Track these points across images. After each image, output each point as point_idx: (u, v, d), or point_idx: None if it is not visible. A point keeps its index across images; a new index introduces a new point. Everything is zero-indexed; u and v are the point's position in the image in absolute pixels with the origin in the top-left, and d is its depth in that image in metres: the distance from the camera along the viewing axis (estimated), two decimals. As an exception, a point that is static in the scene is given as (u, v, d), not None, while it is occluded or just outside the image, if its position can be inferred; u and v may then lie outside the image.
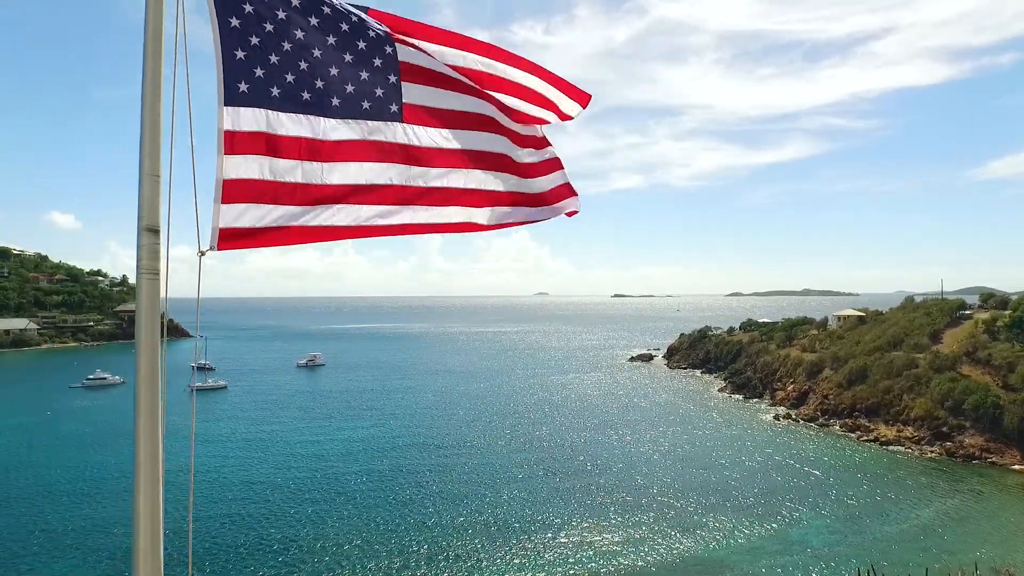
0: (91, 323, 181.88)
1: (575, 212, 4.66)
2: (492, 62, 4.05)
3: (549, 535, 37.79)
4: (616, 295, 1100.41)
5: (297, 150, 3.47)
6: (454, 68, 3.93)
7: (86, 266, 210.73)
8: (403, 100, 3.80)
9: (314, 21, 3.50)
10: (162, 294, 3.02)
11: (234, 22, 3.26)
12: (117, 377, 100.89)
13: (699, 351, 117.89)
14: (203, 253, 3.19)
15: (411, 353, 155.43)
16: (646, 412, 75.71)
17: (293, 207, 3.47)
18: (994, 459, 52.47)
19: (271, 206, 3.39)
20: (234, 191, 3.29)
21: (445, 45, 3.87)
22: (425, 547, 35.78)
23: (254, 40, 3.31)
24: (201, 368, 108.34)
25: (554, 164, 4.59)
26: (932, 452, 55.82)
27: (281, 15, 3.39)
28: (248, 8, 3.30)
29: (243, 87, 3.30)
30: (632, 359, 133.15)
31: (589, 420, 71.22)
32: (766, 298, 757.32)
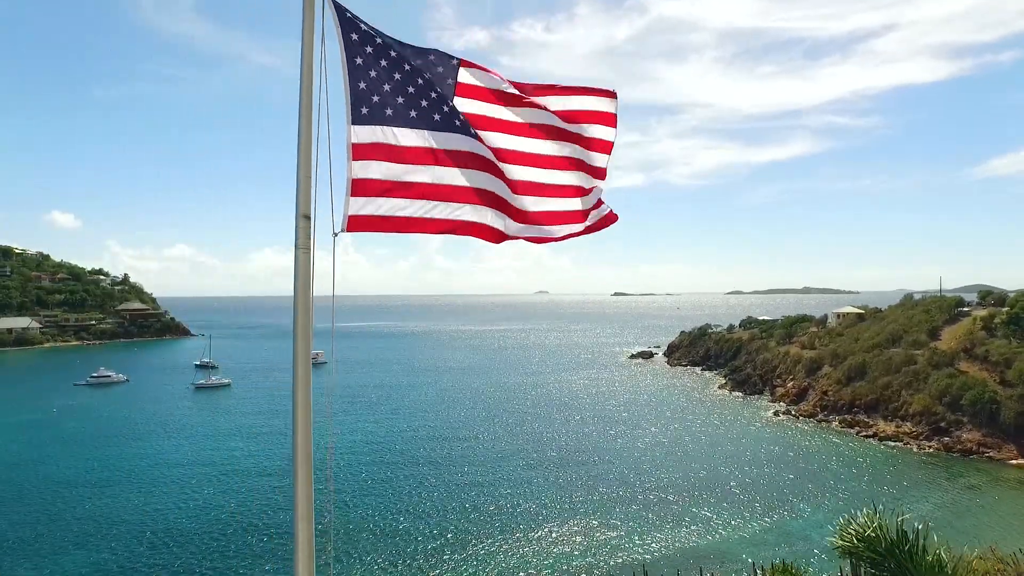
0: (93, 322, 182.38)
1: (604, 225, 5.34)
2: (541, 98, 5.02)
3: (551, 527, 38.38)
4: (616, 293, 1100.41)
5: (404, 157, 4.42)
6: (508, 95, 4.88)
7: (86, 265, 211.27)
8: (472, 126, 4.74)
9: (411, 63, 4.54)
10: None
11: (358, 61, 4.30)
12: (121, 375, 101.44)
13: (699, 348, 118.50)
14: (336, 234, 4.18)
15: (413, 351, 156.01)
16: (647, 409, 76.30)
17: (401, 201, 4.42)
18: (991, 454, 53.06)
19: (384, 199, 4.37)
20: (359, 188, 4.28)
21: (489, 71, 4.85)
22: (428, 536, 36.37)
23: (372, 74, 4.34)
24: (204, 366, 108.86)
25: (596, 181, 5.30)
26: (930, 447, 56.41)
27: (393, 54, 4.42)
28: (368, 50, 4.33)
29: (364, 110, 4.32)
30: (633, 356, 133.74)
31: (590, 416, 71.81)
32: (766, 296, 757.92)
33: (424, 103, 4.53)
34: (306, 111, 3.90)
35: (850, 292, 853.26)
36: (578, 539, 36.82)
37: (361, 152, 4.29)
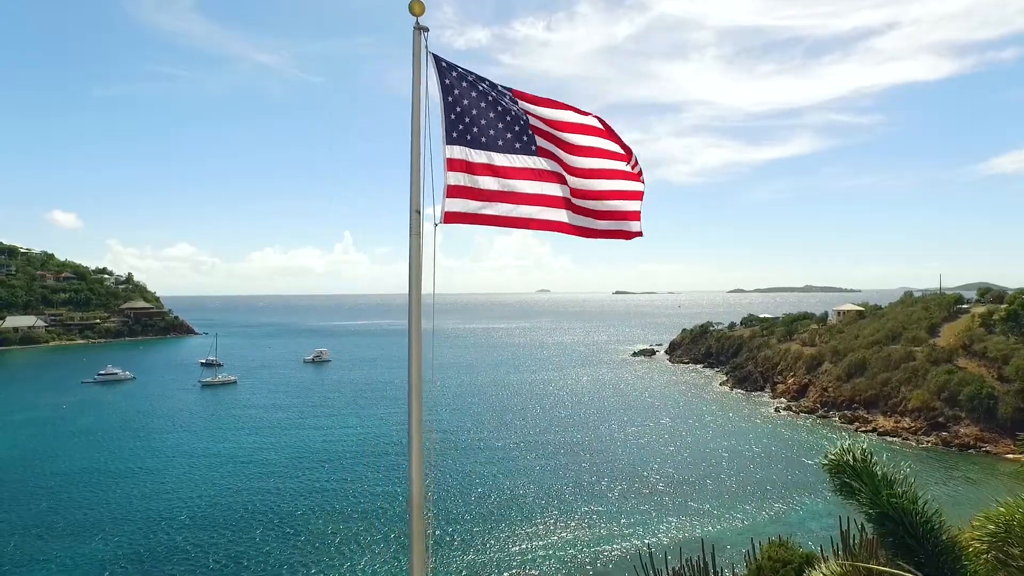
0: (98, 320, 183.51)
1: (635, 234, 6.46)
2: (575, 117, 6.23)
3: (555, 518, 39.31)
4: (618, 292, 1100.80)
5: (482, 170, 5.72)
6: (551, 123, 6.12)
7: (89, 264, 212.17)
8: (536, 143, 6.07)
9: (490, 96, 5.81)
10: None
11: (449, 98, 5.54)
12: (127, 372, 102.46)
13: (701, 346, 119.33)
14: (437, 224, 5.45)
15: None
16: (649, 405, 77.21)
17: (482, 203, 5.73)
18: (988, 448, 53.92)
19: (469, 201, 5.66)
20: (452, 192, 5.57)
21: (541, 105, 6.06)
22: (437, 527, 37.31)
23: (461, 105, 5.60)
24: (210, 364, 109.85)
25: (633, 193, 6.44)
26: (928, 442, 57.26)
27: (473, 94, 5.69)
28: (456, 91, 5.60)
29: (455, 134, 5.57)
30: (635, 354, 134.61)
31: (593, 413, 72.73)
32: (768, 294, 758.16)
33: (500, 126, 5.80)
34: (416, 135, 5.28)
35: (852, 290, 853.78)
36: (579, 527, 37.72)
37: (453, 165, 5.62)
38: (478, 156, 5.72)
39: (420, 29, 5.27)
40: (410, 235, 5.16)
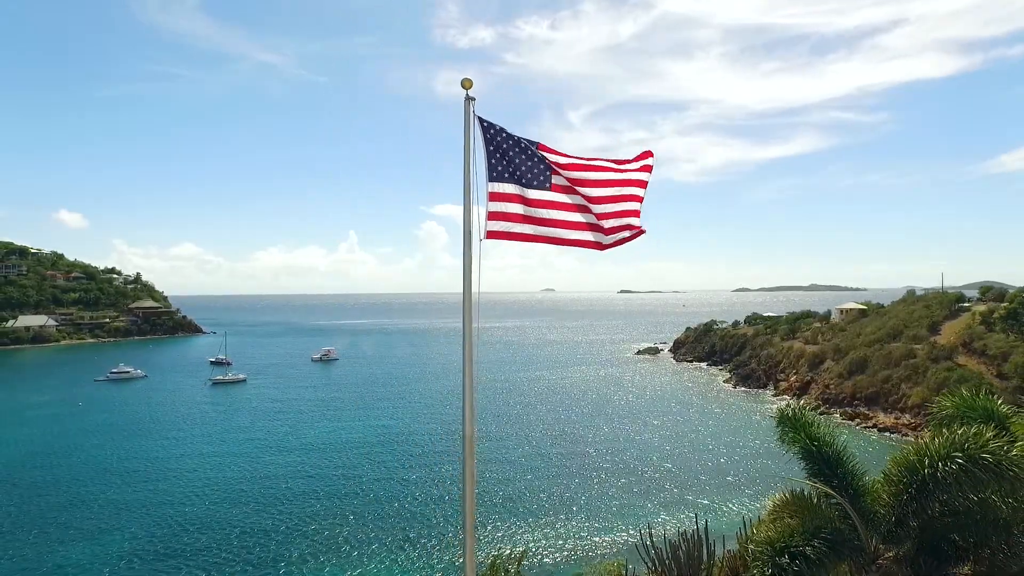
0: (107, 320, 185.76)
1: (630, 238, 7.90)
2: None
3: (558, 510, 40.51)
4: (622, 291, 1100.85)
5: (515, 200, 7.32)
6: (565, 166, 7.69)
7: (94, 264, 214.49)
8: (551, 181, 7.62)
9: (520, 145, 7.37)
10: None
11: (491, 147, 7.11)
12: (139, 371, 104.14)
13: (705, 344, 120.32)
14: (482, 240, 7.01)
15: (421, 348, 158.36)
16: (653, 402, 78.32)
17: (515, 223, 7.30)
18: (987, 444, 54.73)
19: (506, 222, 7.24)
20: (493, 216, 7.12)
21: (558, 154, 7.66)
22: (446, 521, 38.60)
23: (500, 150, 7.19)
24: (219, 363, 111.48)
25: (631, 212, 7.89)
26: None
27: (505, 145, 7.25)
28: (495, 142, 7.18)
29: (494, 173, 7.14)
30: (639, 352, 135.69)
31: (597, 410, 73.90)
32: (772, 293, 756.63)
33: (528, 167, 7.45)
34: (467, 174, 7.17)
35: (857, 289, 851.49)
36: (583, 522, 38.90)
37: (494, 196, 7.37)
38: (512, 189, 7.42)
39: (469, 99, 7.02)
40: (464, 250, 6.88)
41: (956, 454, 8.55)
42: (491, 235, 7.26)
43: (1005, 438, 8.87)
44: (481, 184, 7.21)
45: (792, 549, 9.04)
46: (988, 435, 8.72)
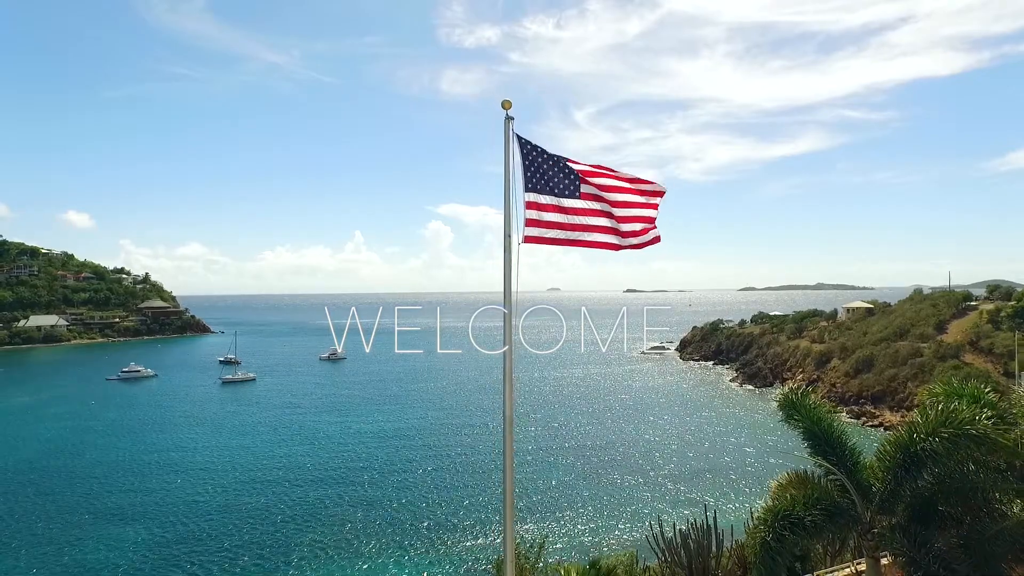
0: (117, 319, 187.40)
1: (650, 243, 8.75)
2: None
3: (567, 507, 41.06)
4: (628, 290, 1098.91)
5: (549, 208, 8.00)
6: (593, 174, 8.47)
7: (104, 264, 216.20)
8: (581, 189, 8.33)
9: (553, 159, 8.04)
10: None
11: (527, 161, 7.74)
12: (150, 370, 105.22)
13: (711, 343, 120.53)
14: (520, 244, 7.70)
15: (428, 347, 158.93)
16: (660, 401, 78.73)
17: (551, 230, 7.98)
18: (993, 442, 54.91)
19: (540, 228, 7.92)
20: (529, 223, 7.80)
21: (584, 165, 8.42)
22: (450, 518, 39.20)
23: (535, 164, 7.81)
24: (229, 362, 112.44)
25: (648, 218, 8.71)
26: (934, 436, 58.29)
27: (539, 159, 7.91)
28: (531, 157, 7.81)
29: (531, 184, 7.79)
30: (645, 351, 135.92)
31: (604, 408, 74.38)
32: (779, 292, 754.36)
33: (560, 178, 8.17)
34: (507, 184, 7.72)
35: (864, 288, 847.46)
36: (587, 519, 39.42)
37: (530, 205, 8.19)
38: (546, 199, 8.19)
39: (509, 119, 7.77)
40: (504, 253, 7.71)
41: (942, 429, 9.66)
42: (528, 240, 7.97)
43: (986, 412, 9.94)
44: (519, 194, 7.90)
45: (792, 517, 10.18)
46: (972, 410, 9.89)
